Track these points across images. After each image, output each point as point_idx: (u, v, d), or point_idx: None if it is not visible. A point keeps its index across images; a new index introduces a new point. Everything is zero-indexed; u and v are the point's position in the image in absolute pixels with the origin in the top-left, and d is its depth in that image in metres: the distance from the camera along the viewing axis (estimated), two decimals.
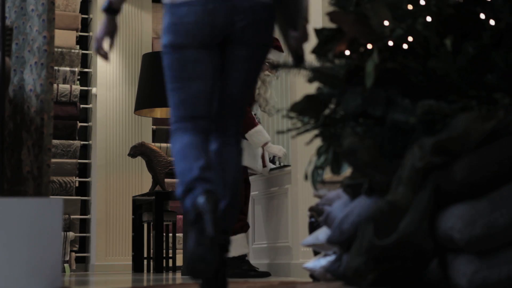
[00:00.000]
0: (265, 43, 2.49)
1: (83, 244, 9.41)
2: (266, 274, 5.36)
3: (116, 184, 9.43)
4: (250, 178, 6.17)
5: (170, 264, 8.59)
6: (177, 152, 2.36)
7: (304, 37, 2.36)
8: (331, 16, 2.12)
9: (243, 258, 5.41)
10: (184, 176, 2.30)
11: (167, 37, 2.41)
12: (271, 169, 5.84)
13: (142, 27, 10.02)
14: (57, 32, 9.04)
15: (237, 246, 5.35)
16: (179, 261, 8.57)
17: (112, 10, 2.49)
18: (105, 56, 2.56)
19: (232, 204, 2.37)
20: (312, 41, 2.34)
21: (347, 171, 2.20)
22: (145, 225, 8.63)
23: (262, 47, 2.50)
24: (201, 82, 2.39)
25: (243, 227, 5.41)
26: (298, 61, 2.32)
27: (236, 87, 2.42)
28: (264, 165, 5.58)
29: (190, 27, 2.35)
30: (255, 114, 5.49)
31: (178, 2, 2.37)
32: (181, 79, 2.41)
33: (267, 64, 5.03)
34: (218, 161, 2.41)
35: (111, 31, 2.52)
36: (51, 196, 6.43)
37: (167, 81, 2.47)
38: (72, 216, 9.13)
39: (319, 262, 2.65)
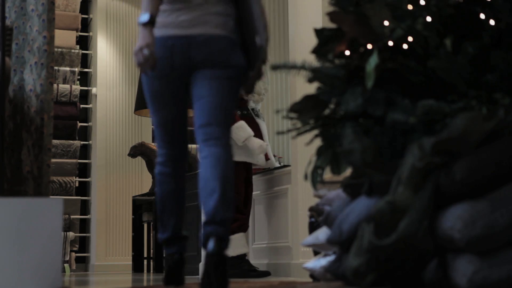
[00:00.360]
0: (230, 64, 2.67)
1: (83, 244, 9.41)
2: (266, 274, 5.35)
3: (116, 184, 9.43)
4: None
5: None
6: (159, 201, 2.90)
7: (259, 76, 2.73)
8: (331, 16, 2.12)
9: (242, 258, 5.40)
10: (162, 227, 2.91)
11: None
12: (272, 169, 5.83)
13: None
14: (57, 32, 9.04)
15: (236, 245, 5.36)
16: None
17: (153, 23, 2.60)
18: (153, 66, 2.59)
19: (223, 196, 2.58)
20: (312, 41, 2.34)
21: (347, 171, 2.20)
22: (145, 225, 8.62)
23: (227, 68, 2.67)
24: (165, 110, 2.75)
25: (241, 227, 5.40)
26: (247, 91, 2.74)
27: (214, 103, 2.66)
28: (267, 159, 5.55)
29: (169, 60, 2.64)
30: (252, 109, 5.50)
31: (159, 35, 2.66)
32: (152, 107, 2.81)
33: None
34: (210, 161, 2.64)
35: (152, 42, 2.58)
36: (51, 196, 6.43)
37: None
38: (72, 216, 9.13)
39: (319, 262, 2.65)
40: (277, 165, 5.66)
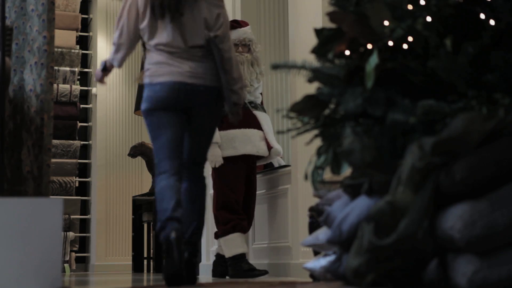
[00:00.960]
0: (215, 114, 3.65)
1: (83, 244, 9.41)
2: (264, 273, 5.35)
3: (116, 184, 9.43)
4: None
5: None
6: (157, 194, 3.43)
7: (237, 117, 3.66)
8: (331, 16, 2.12)
9: (240, 258, 5.40)
10: (161, 215, 3.33)
11: (144, 104, 3.55)
12: (272, 169, 5.82)
13: None
14: (57, 32, 9.04)
15: (231, 246, 5.37)
16: None
17: (106, 70, 3.73)
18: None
19: (199, 226, 3.62)
20: (312, 41, 2.34)
21: (347, 171, 2.20)
22: (145, 225, 8.63)
23: (213, 117, 3.66)
24: (169, 133, 3.49)
25: (236, 227, 5.41)
26: (232, 120, 3.71)
27: (199, 143, 3.64)
28: (269, 148, 5.53)
29: (161, 98, 3.48)
30: (250, 102, 5.50)
31: (154, 82, 3.51)
32: (156, 132, 3.52)
33: (239, 45, 5.42)
34: (189, 196, 3.60)
35: (101, 78, 3.80)
36: (51, 196, 6.43)
37: (149, 134, 3.59)
38: (72, 216, 9.13)
39: (319, 262, 2.65)
40: (280, 150, 5.66)
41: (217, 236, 5.55)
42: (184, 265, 3.26)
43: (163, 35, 3.53)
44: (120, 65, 3.61)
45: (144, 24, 3.53)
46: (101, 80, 3.78)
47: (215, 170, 5.50)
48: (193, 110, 3.54)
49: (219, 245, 5.62)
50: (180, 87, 3.49)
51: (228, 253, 5.37)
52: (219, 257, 5.61)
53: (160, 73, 3.51)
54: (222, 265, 5.57)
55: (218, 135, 5.38)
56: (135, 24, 3.54)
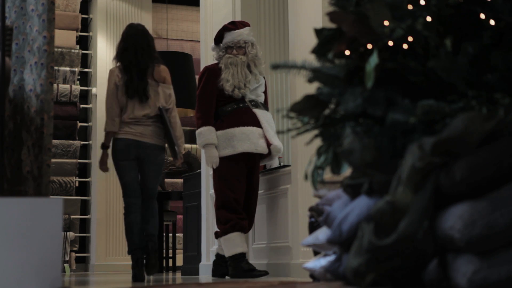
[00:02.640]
0: (160, 162, 5.54)
1: (83, 244, 9.41)
2: (264, 273, 5.35)
3: (116, 184, 9.44)
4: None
5: (170, 264, 8.58)
6: (126, 226, 5.50)
7: (181, 160, 5.54)
8: (331, 16, 2.12)
9: (240, 257, 5.41)
10: (129, 242, 5.45)
11: (113, 154, 5.50)
12: (272, 169, 5.82)
13: None
14: (57, 32, 9.05)
15: (231, 245, 5.38)
16: (179, 261, 8.56)
17: (107, 147, 5.56)
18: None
19: (153, 245, 5.50)
20: (312, 41, 2.34)
21: (347, 171, 2.20)
22: None
23: (159, 164, 5.53)
24: (128, 176, 5.47)
25: (235, 226, 5.42)
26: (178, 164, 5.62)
27: (151, 183, 5.54)
28: (268, 145, 5.54)
29: (121, 150, 5.39)
30: (251, 100, 5.53)
31: (118, 137, 5.41)
32: (121, 174, 5.49)
33: (224, 51, 5.60)
34: (144, 220, 5.50)
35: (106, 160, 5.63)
36: (51, 196, 6.42)
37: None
38: (72, 216, 9.13)
39: (319, 262, 2.65)
40: (280, 154, 5.66)
41: (217, 235, 5.55)
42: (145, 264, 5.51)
43: (131, 108, 5.40)
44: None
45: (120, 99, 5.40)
46: (104, 168, 5.64)
47: (214, 170, 5.52)
48: (143, 159, 5.44)
49: (219, 245, 5.62)
50: (134, 143, 5.41)
51: (227, 253, 5.37)
52: (219, 257, 5.61)
53: (122, 132, 5.43)
54: (222, 265, 5.57)
55: (214, 136, 5.43)
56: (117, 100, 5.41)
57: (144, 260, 5.40)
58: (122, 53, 5.39)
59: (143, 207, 5.44)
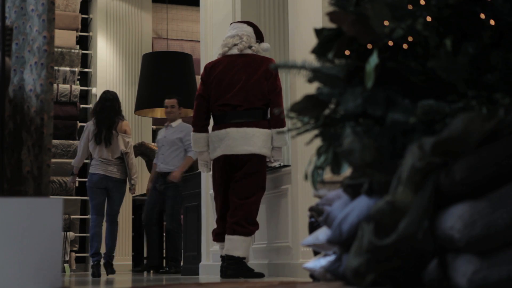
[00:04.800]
0: (123, 191, 7.78)
1: (83, 244, 9.40)
2: (260, 275, 5.35)
3: None
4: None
5: None
6: (90, 236, 7.73)
7: (134, 191, 7.90)
8: (331, 16, 2.12)
9: (240, 260, 5.42)
10: (91, 248, 7.63)
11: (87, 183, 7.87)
12: (272, 169, 5.82)
13: (142, 27, 10.02)
14: (57, 32, 9.05)
15: (239, 247, 5.36)
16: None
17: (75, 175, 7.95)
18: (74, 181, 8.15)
19: (111, 249, 7.72)
20: (312, 41, 2.34)
21: (347, 171, 2.20)
22: None
23: (122, 191, 7.77)
24: (96, 201, 7.68)
25: (216, 236, 5.55)
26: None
27: (116, 206, 7.75)
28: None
29: (93, 181, 7.61)
30: None
31: (91, 172, 7.68)
32: (91, 199, 7.73)
33: None
34: (108, 232, 7.73)
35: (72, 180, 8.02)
36: (51, 196, 6.43)
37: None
38: (72, 216, 9.13)
39: (319, 262, 2.65)
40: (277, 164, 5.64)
41: (221, 237, 5.54)
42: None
43: (100, 151, 7.57)
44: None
45: (91, 145, 7.63)
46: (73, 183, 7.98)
47: (259, 171, 5.51)
48: (109, 189, 7.66)
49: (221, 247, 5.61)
50: (102, 178, 7.61)
51: (235, 253, 5.35)
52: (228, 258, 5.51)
53: (93, 167, 7.69)
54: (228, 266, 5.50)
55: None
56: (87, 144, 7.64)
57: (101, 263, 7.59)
58: (97, 112, 7.61)
59: (107, 223, 7.72)
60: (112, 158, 7.55)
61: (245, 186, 5.41)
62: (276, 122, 5.27)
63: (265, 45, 5.66)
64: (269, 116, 5.40)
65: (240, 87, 5.44)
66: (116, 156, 7.59)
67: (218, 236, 5.55)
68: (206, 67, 5.61)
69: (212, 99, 5.51)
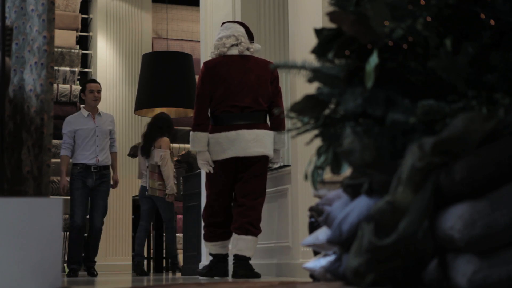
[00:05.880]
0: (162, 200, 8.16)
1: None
2: (258, 275, 5.35)
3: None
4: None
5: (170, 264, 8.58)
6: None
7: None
8: (331, 16, 2.12)
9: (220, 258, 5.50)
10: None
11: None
12: (272, 169, 5.82)
13: (142, 27, 10.02)
14: (57, 32, 9.05)
15: (252, 247, 5.37)
16: (179, 261, 8.56)
17: None
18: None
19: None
20: (312, 41, 2.34)
21: (347, 171, 2.20)
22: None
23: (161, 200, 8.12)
24: (142, 208, 8.16)
25: (204, 235, 5.59)
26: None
27: (163, 213, 8.18)
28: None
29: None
30: None
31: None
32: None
33: None
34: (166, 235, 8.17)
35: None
36: (51, 196, 6.43)
37: None
38: None
39: (319, 262, 2.65)
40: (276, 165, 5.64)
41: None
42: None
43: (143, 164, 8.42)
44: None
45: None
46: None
47: (263, 173, 5.50)
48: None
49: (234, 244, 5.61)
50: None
51: (247, 252, 5.35)
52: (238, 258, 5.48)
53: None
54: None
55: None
56: None
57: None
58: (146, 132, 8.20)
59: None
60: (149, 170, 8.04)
61: (254, 186, 5.38)
62: (279, 125, 5.36)
63: (257, 46, 5.67)
64: (268, 118, 5.45)
65: (250, 89, 5.42)
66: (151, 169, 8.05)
67: (225, 235, 5.51)
68: (207, 67, 5.53)
69: (216, 99, 5.43)
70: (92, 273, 7.67)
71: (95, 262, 7.78)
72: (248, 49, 5.56)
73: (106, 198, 7.77)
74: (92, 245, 7.76)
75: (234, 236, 5.34)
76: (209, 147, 5.42)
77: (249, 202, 5.35)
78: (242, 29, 5.63)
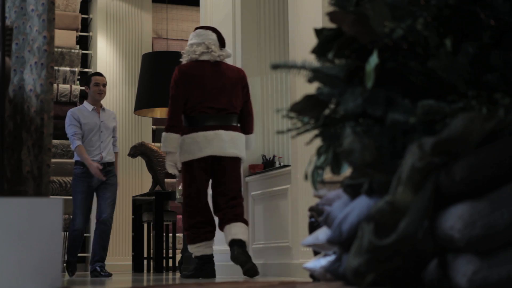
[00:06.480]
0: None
1: (83, 244, 9.39)
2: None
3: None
4: (251, 177, 6.14)
5: (170, 264, 8.58)
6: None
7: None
8: (331, 16, 2.12)
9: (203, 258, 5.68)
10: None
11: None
12: (271, 169, 5.82)
13: (142, 27, 10.03)
14: (57, 32, 9.05)
15: (245, 231, 5.51)
16: None
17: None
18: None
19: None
20: (312, 41, 2.34)
21: (347, 171, 2.20)
22: (145, 225, 8.62)
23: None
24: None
25: (188, 238, 5.80)
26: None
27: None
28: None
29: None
30: None
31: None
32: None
33: None
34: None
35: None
36: (51, 196, 6.42)
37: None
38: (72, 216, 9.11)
39: (319, 262, 2.65)
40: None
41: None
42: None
43: None
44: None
45: None
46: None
47: (239, 172, 5.76)
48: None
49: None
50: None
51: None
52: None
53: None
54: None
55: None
56: None
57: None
58: None
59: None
60: None
61: (232, 187, 5.59)
62: (250, 128, 5.74)
63: (228, 52, 5.85)
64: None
65: (224, 92, 5.65)
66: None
67: (208, 235, 5.63)
68: (181, 70, 5.70)
69: (193, 101, 5.61)
70: (106, 273, 7.10)
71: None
72: (219, 56, 5.75)
73: (115, 192, 7.21)
74: (101, 241, 7.20)
75: (226, 227, 5.50)
76: (185, 147, 5.56)
77: (232, 202, 5.56)
78: (213, 36, 5.78)
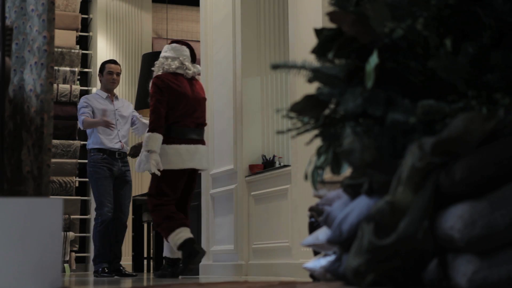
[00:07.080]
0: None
1: (83, 244, 9.40)
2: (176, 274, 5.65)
3: None
4: (251, 177, 6.14)
5: None
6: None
7: None
8: (331, 16, 2.12)
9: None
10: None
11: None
12: (271, 169, 5.82)
13: (142, 27, 10.03)
14: (57, 32, 9.04)
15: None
16: None
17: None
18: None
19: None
20: (312, 41, 2.34)
21: (347, 171, 2.20)
22: (145, 225, 8.62)
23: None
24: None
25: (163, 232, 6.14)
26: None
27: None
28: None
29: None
30: None
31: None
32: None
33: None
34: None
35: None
36: (51, 196, 6.42)
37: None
38: (72, 216, 9.12)
39: (319, 262, 2.65)
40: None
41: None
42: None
43: None
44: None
45: None
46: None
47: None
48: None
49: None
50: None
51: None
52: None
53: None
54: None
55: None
56: None
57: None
58: None
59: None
60: None
61: (191, 198, 6.16)
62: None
63: (198, 68, 6.19)
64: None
65: (200, 107, 6.09)
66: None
67: (184, 221, 5.92)
68: (163, 79, 5.95)
69: (176, 113, 5.92)
70: (126, 272, 6.86)
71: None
72: (193, 72, 6.09)
73: (131, 190, 7.04)
74: (120, 241, 6.89)
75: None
76: (167, 157, 5.85)
77: (189, 209, 6.12)
78: (187, 53, 6.11)
